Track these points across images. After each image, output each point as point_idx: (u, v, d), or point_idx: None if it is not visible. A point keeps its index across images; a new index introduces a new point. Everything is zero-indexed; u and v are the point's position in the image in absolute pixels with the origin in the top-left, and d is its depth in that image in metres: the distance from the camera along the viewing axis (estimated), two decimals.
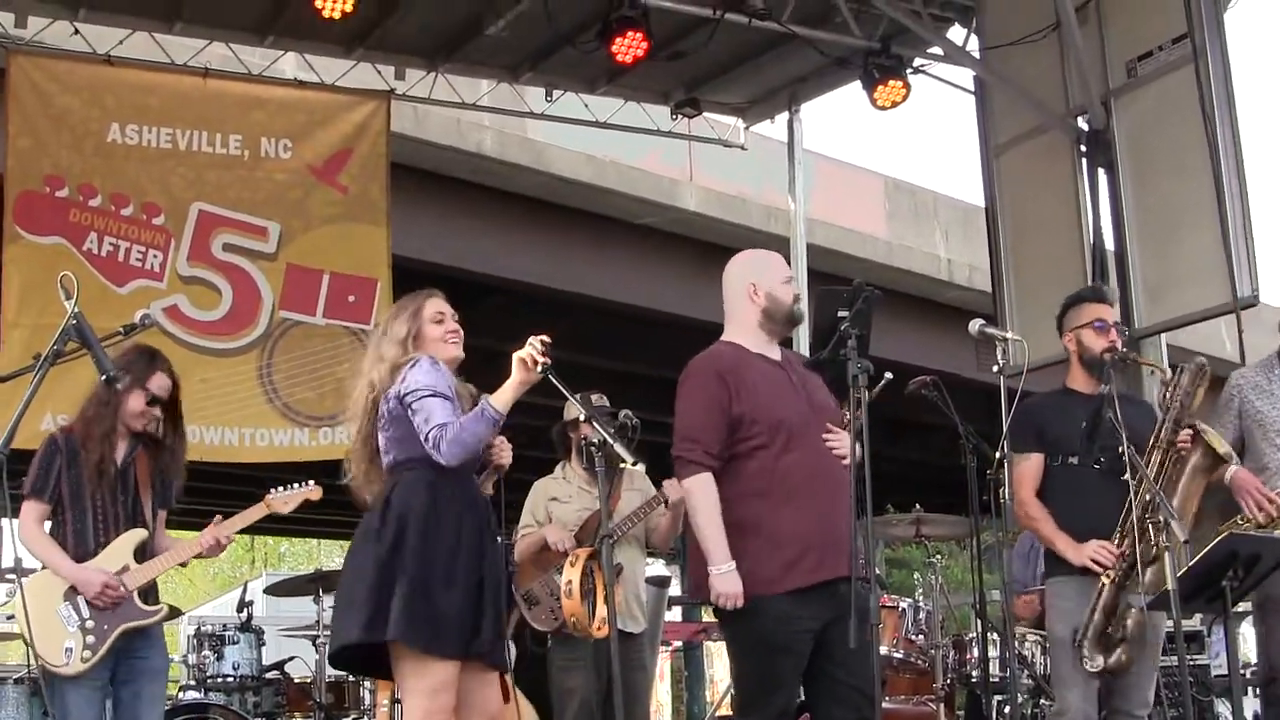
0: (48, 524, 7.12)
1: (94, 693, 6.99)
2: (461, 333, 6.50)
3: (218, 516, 7.20)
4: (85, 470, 7.03)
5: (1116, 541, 7.08)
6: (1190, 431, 7.14)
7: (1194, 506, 7.08)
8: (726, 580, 6.34)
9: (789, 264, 11.17)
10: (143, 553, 7.17)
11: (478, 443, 6.14)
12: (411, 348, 6.38)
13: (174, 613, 12.48)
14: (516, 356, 6.14)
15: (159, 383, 7.10)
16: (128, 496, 7.17)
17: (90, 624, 6.94)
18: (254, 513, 7.29)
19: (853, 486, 6.12)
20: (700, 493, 6.48)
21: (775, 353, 6.72)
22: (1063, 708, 7.20)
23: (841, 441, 6.46)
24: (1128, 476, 6.95)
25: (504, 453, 6.44)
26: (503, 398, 6.14)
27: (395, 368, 6.30)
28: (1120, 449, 7.10)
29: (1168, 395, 7.21)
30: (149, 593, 7.16)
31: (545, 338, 6.14)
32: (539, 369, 6.10)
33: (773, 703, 6.43)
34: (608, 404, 8.08)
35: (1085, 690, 7.17)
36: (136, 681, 7.11)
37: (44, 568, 7.11)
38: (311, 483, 7.50)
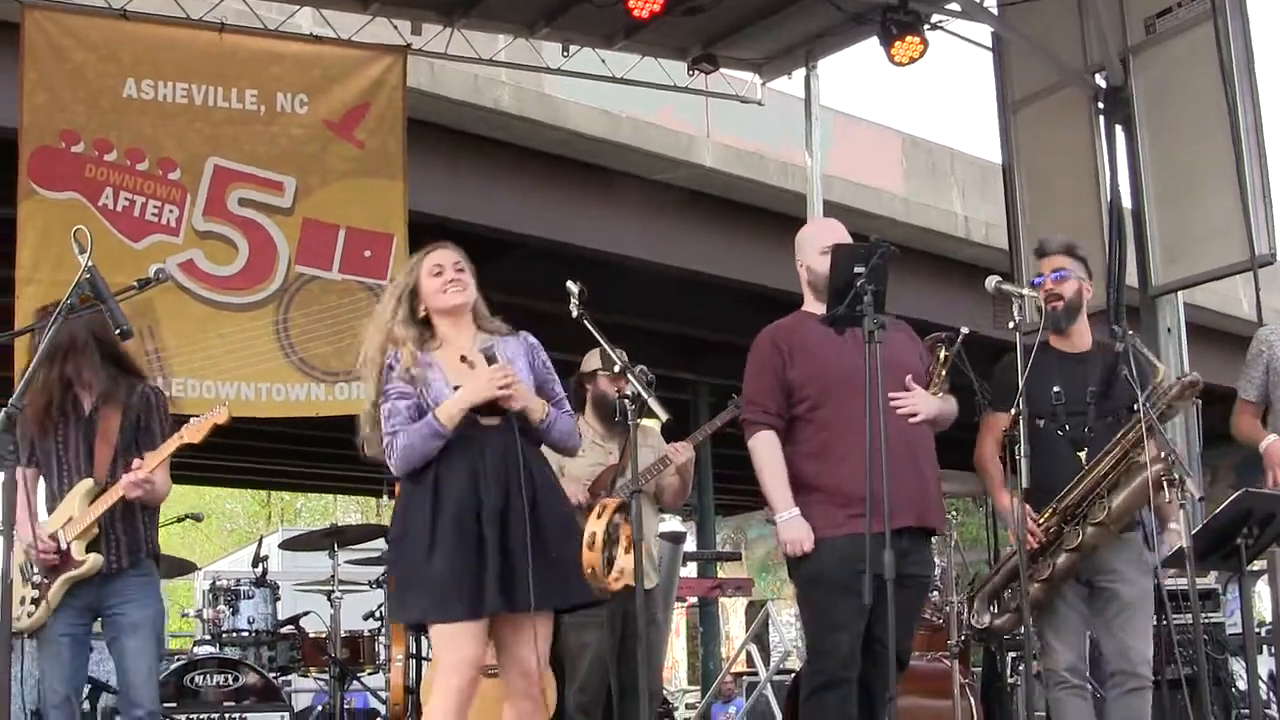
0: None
1: (64, 646, 7.01)
2: (464, 281, 6.47)
3: (136, 461, 7.15)
4: (41, 429, 7.07)
5: (1049, 513, 7.12)
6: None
7: (1130, 512, 7.11)
8: (790, 526, 6.66)
9: (805, 219, 11.22)
10: (95, 502, 7.14)
11: (420, 455, 6.23)
12: (404, 306, 6.48)
13: (188, 568, 12.58)
14: (480, 378, 6.25)
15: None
16: (89, 445, 7.16)
17: (36, 579, 6.97)
18: (170, 444, 7.23)
19: (869, 439, 6.17)
20: (761, 448, 6.82)
21: None
22: (1051, 666, 7.23)
23: (909, 400, 6.58)
24: (1140, 429, 6.96)
25: (515, 399, 6.41)
26: (448, 411, 6.21)
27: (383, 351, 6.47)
28: (1094, 417, 7.19)
29: (1152, 398, 7.20)
30: (94, 542, 7.09)
31: (508, 376, 6.24)
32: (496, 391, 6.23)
33: (837, 641, 6.54)
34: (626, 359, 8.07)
35: (1073, 642, 7.22)
36: (118, 640, 7.13)
37: None
38: (222, 408, 7.45)
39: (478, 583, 6.10)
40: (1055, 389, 7.25)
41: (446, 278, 6.45)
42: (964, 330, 6.76)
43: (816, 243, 7.00)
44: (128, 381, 7.31)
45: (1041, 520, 7.11)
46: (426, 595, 6.12)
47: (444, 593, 6.08)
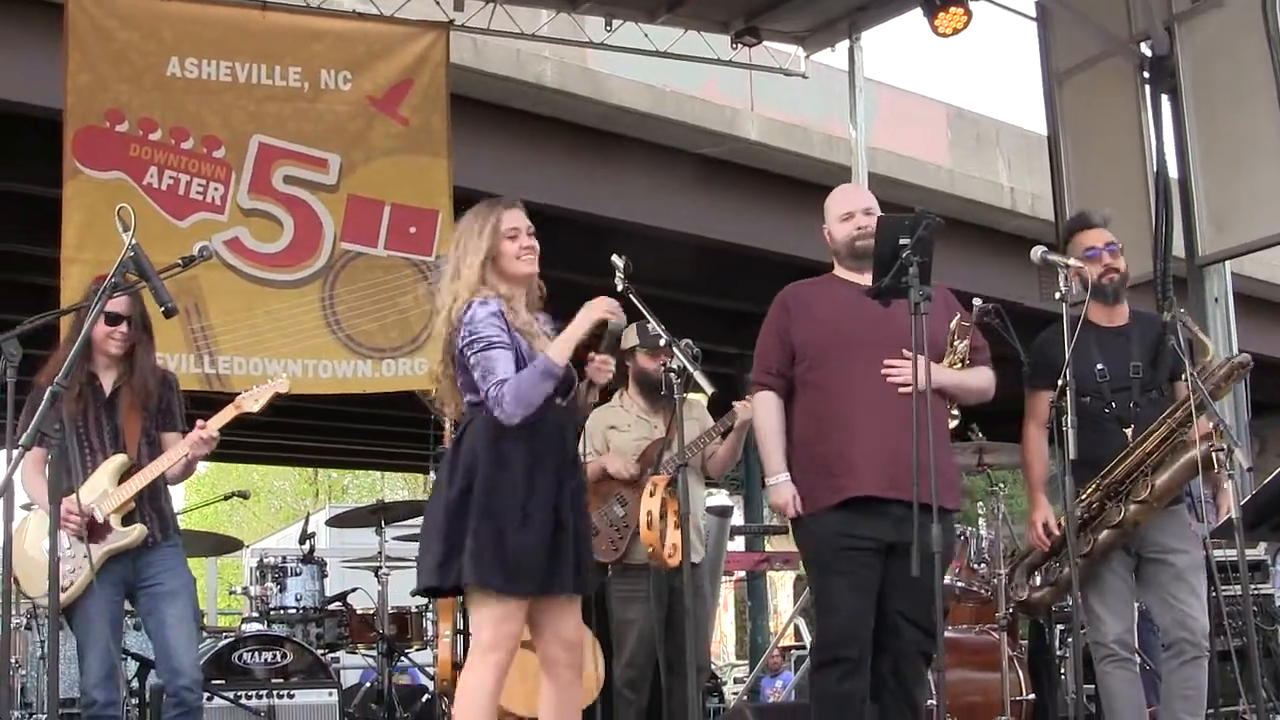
0: None
1: (101, 624, 7.02)
2: (536, 248, 6.47)
3: (200, 421, 7.18)
4: (65, 405, 6.97)
5: (1093, 488, 7.07)
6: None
7: (1173, 491, 7.11)
8: (777, 490, 6.75)
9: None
10: (126, 479, 7.19)
11: (539, 398, 6.14)
12: (490, 270, 6.37)
13: (235, 545, 12.63)
14: (589, 310, 6.24)
15: (115, 304, 7.00)
16: (113, 424, 7.22)
17: (68, 553, 6.95)
18: (226, 414, 7.27)
19: (915, 413, 6.11)
20: (760, 409, 6.93)
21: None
22: (1099, 639, 7.20)
23: (902, 370, 6.52)
24: (1190, 400, 6.93)
25: (601, 372, 6.47)
26: (559, 349, 6.19)
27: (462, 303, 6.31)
28: (1138, 392, 7.16)
29: (1199, 376, 7.15)
30: (130, 515, 7.17)
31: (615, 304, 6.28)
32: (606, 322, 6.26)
33: (831, 623, 6.56)
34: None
35: (1122, 613, 7.20)
36: (157, 610, 7.19)
37: None
38: (283, 376, 7.49)
39: (555, 562, 6.15)
40: (1099, 365, 7.21)
41: (522, 243, 6.44)
42: (976, 302, 6.70)
43: (837, 209, 7.04)
44: (146, 362, 7.33)
45: (1084, 496, 7.08)
46: (513, 566, 6.08)
47: (531, 567, 6.09)
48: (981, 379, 6.90)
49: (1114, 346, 7.28)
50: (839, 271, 7.01)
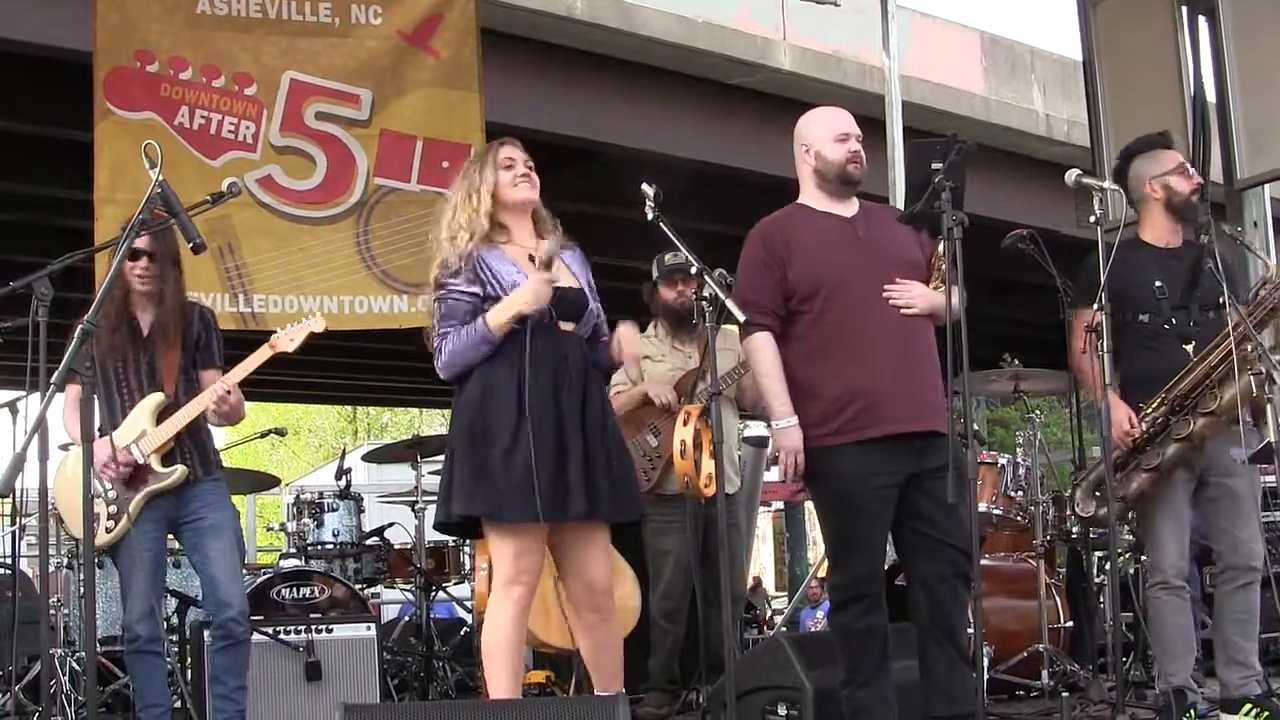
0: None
1: (147, 559, 7.09)
2: (533, 176, 6.49)
3: (220, 380, 7.19)
4: (101, 344, 7.03)
5: (1158, 402, 7.04)
6: None
7: (1239, 406, 7.03)
8: (785, 435, 6.47)
9: (885, 121, 11.07)
10: (164, 417, 7.23)
11: (465, 362, 6.30)
12: (476, 200, 6.42)
13: (273, 482, 12.68)
14: (530, 286, 6.24)
15: (138, 240, 6.86)
16: (150, 362, 7.24)
17: (112, 494, 7.01)
18: (259, 355, 7.28)
19: (950, 339, 6.10)
20: (759, 351, 6.59)
21: (848, 209, 6.68)
22: (1158, 564, 7.18)
23: (904, 293, 6.45)
24: (1229, 326, 6.91)
25: (625, 351, 6.54)
26: (497, 319, 6.24)
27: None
28: (1197, 311, 7.13)
29: (1261, 294, 7.15)
30: (169, 455, 7.20)
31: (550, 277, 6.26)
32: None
33: (856, 562, 6.46)
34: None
35: (1183, 540, 7.17)
36: (201, 545, 7.23)
37: None
38: (317, 315, 7.57)
39: (561, 487, 6.13)
40: (1157, 283, 7.19)
41: (518, 171, 6.45)
42: (965, 222, 6.62)
43: (830, 128, 6.77)
44: (173, 299, 7.33)
45: (1149, 410, 7.06)
46: (503, 493, 6.12)
47: (523, 493, 6.08)
48: (957, 300, 6.74)
49: (1172, 267, 7.27)
50: (814, 202, 6.78)
